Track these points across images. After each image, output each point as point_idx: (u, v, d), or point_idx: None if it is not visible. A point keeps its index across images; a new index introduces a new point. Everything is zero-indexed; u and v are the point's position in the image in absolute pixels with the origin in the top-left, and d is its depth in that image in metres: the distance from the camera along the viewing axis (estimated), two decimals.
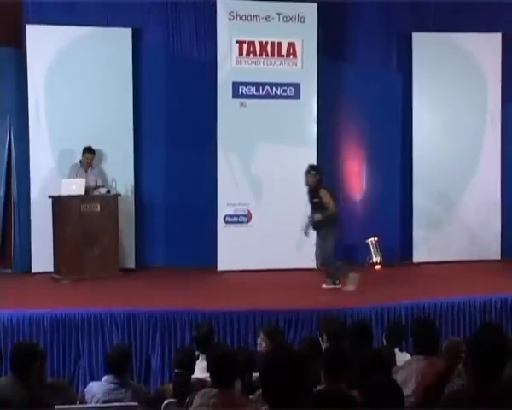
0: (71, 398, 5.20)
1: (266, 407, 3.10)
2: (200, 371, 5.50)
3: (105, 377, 5.23)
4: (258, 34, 9.94)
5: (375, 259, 10.02)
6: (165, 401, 5.03)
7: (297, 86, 10.03)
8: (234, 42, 9.91)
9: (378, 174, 10.47)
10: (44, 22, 9.63)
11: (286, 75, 10.01)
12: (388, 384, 3.32)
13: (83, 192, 9.22)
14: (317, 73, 10.01)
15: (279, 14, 9.96)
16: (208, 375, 4.74)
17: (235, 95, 9.93)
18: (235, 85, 9.93)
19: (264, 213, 9.77)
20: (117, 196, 9.51)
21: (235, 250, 9.72)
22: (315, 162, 9.89)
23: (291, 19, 9.97)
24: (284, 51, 9.99)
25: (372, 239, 10.04)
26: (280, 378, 2.99)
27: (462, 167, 10.43)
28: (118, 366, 5.19)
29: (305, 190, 9.85)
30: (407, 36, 10.34)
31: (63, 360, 7.41)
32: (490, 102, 10.47)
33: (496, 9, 10.23)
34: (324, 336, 5.62)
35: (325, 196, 8.52)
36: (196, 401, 4.44)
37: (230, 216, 9.94)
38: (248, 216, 9.96)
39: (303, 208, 9.75)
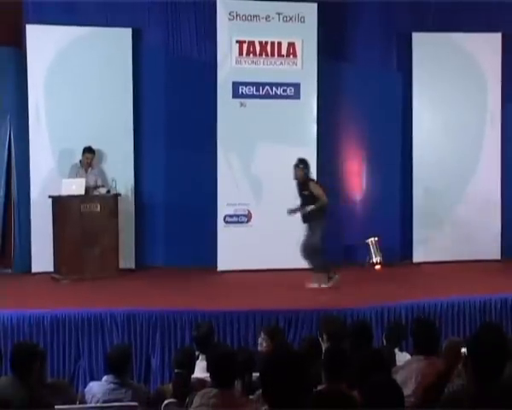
0: (71, 398, 5.20)
1: (266, 407, 3.10)
2: (200, 371, 5.50)
3: (105, 377, 5.23)
4: (258, 34, 9.94)
5: (375, 259, 10.03)
6: (165, 401, 5.03)
7: (297, 86, 10.03)
8: (234, 42, 9.91)
9: (378, 174, 10.47)
10: (44, 22, 9.63)
11: (286, 75, 10.01)
12: (388, 384, 3.32)
13: (83, 192, 9.22)
14: (317, 73, 10.01)
15: (279, 14, 9.96)
16: (208, 375, 4.74)
17: (235, 95, 9.93)
18: (235, 85, 9.93)
19: (264, 213, 9.77)
20: (117, 195, 9.51)
21: (235, 250, 9.73)
22: (315, 162, 9.94)
23: (291, 19, 9.97)
24: (284, 51, 9.99)
25: (372, 239, 10.04)
26: (280, 378, 2.99)
27: (462, 167, 10.44)
28: (118, 366, 5.19)
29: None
30: (407, 36, 10.34)
31: (63, 360, 7.42)
32: (490, 102, 10.47)
33: (496, 9, 10.23)
34: (324, 336, 5.62)
35: (315, 188, 8.65)
36: (196, 401, 4.44)
37: (230, 216, 9.94)
38: (248, 216, 9.96)
39: None
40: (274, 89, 10.00)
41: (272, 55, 9.98)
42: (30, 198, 9.69)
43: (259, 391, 3.94)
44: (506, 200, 10.51)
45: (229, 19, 9.88)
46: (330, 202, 10.17)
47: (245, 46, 9.93)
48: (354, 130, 10.49)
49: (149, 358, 7.50)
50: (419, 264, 10.25)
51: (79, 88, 9.72)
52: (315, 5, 9.96)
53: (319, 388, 4.06)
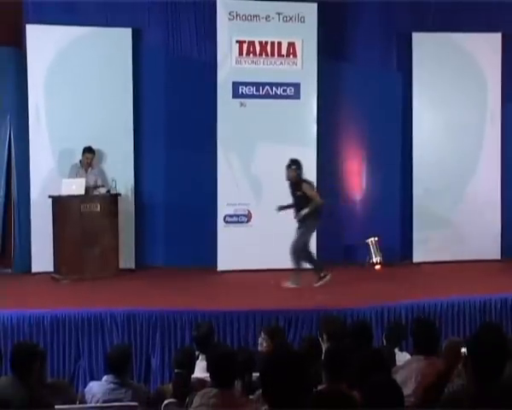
0: (71, 398, 5.20)
1: (266, 406, 3.10)
2: (200, 371, 5.51)
3: (105, 377, 5.23)
4: (258, 34, 9.94)
5: (375, 259, 10.03)
6: (165, 401, 5.03)
7: (297, 86, 10.03)
8: (234, 42, 9.91)
9: (378, 174, 10.47)
10: (44, 22, 9.63)
11: (286, 75, 10.01)
12: (388, 384, 3.33)
13: (83, 192, 9.21)
14: (317, 73, 10.01)
15: (279, 13, 9.96)
16: (208, 375, 4.74)
17: (235, 95, 9.93)
18: (235, 85, 9.93)
19: (264, 213, 9.76)
20: (117, 195, 9.51)
21: (235, 250, 9.72)
22: (315, 162, 9.95)
23: (291, 19, 9.97)
24: (284, 51, 9.99)
25: (372, 239, 10.04)
26: (280, 378, 2.99)
27: (462, 167, 10.44)
28: (118, 366, 5.19)
29: None
30: (407, 36, 10.34)
31: (63, 360, 7.42)
32: (490, 102, 10.47)
33: (496, 9, 10.23)
34: (324, 336, 5.62)
35: (308, 189, 8.65)
36: (196, 400, 4.44)
37: (230, 216, 9.94)
38: (248, 216, 9.96)
39: None
40: (274, 89, 10.00)
41: (272, 55, 9.98)
42: (30, 198, 9.69)
43: (259, 391, 3.94)
44: (506, 200, 10.51)
45: (229, 19, 9.88)
46: (330, 202, 10.20)
47: (245, 46, 9.93)
48: (354, 130, 10.49)
49: (149, 358, 7.50)
50: (419, 264, 10.24)
51: (79, 88, 9.71)
52: (315, 5, 9.95)
53: (319, 388, 4.06)
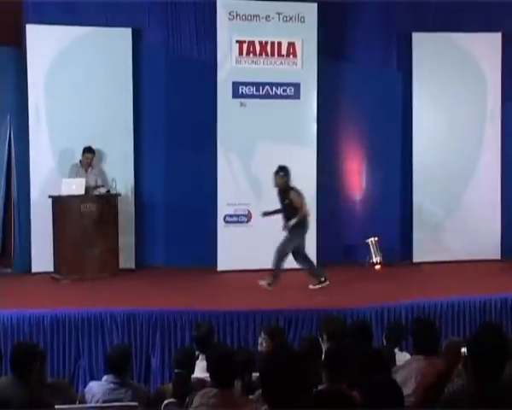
0: (71, 398, 5.20)
1: (266, 406, 3.10)
2: (200, 371, 5.51)
3: (105, 377, 5.23)
4: (258, 34, 9.94)
5: (375, 259, 10.03)
6: (165, 401, 5.03)
7: (297, 86, 10.03)
8: (234, 42, 9.90)
9: (378, 174, 10.47)
10: (44, 22, 9.63)
11: (286, 75, 10.01)
12: (388, 384, 3.33)
13: (83, 192, 9.21)
14: (317, 72, 10.01)
15: (279, 13, 9.96)
16: (208, 375, 4.74)
17: (235, 95, 9.93)
18: (235, 85, 9.93)
19: None
20: (117, 195, 9.51)
21: (235, 250, 9.72)
22: (315, 162, 9.95)
23: (291, 19, 9.97)
24: (284, 51, 9.99)
25: (372, 239, 10.04)
26: (280, 378, 2.99)
27: (462, 167, 10.44)
28: (118, 366, 5.19)
29: (305, 188, 9.85)
30: (407, 36, 10.34)
31: (63, 360, 7.42)
32: (490, 102, 10.47)
33: (496, 9, 10.24)
34: (324, 336, 5.62)
35: (296, 197, 8.56)
36: (196, 400, 4.44)
37: (230, 216, 9.94)
38: (248, 216, 9.96)
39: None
40: (274, 89, 10.00)
41: (272, 55, 9.98)
42: (30, 198, 9.69)
43: (259, 391, 3.94)
44: (506, 200, 10.51)
45: (229, 19, 9.88)
46: (330, 202, 10.24)
47: (245, 46, 9.93)
48: (354, 130, 10.49)
49: (149, 358, 7.50)
50: (419, 264, 10.24)
51: (79, 88, 9.72)
52: (315, 5, 9.95)
53: (319, 388, 4.06)
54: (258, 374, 3.75)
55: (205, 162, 9.91)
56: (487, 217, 10.43)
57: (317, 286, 8.58)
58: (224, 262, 9.76)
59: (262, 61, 9.98)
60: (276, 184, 8.68)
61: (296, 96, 10.04)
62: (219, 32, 9.86)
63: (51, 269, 9.26)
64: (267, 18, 9.95)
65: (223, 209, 9.91)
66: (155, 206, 10.11)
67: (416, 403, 4.53)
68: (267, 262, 9.49)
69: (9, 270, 9.76)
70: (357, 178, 10.62)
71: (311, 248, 9.76)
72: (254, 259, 9.55)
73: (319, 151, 10.02)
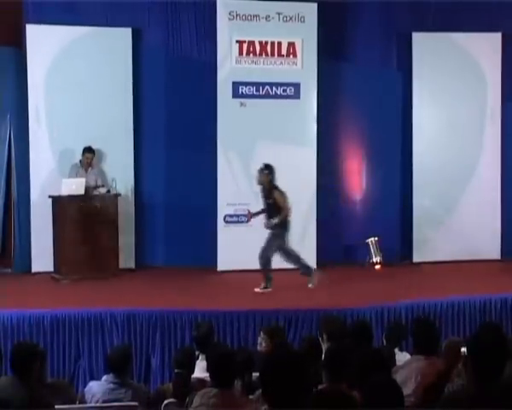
0: (71, 398, 5.20)
1: (266, 406, 3.10)
2: (200, 371, 5.51)
3: (105, 377, 5.23)
4: (258, 34, 9.94)
5: (375, 259, 10.02)
6: (165, 401, 5.03)
7: (297, 86, 10.03)
8: (234, 42, 9.90)
9: (378, 174, 10.47)
10: (44, 22, 9.63)
11: (286, 75, 10.01)
12: (388, 384, 3.33)
13: (83, 192, 9.21)
14: (317, 72, 10.00)
15: (279, 13, 9.95)
16: (208, 375, 4.75)
17: (235, 95, 9.93)
18: (235, 85, 9.93)
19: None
20: (117, 195, 9.51)
21: (235, 250, 9.71)
22: (315, 162, 9.95)
23: (291, 19, 9.96)
24: (284, 51, 9.99)
25: (372, 239, 10.04)
26: (280, 378, 2.99)
27: (462, 167, 10.43)
28: (118, 366, 5.19)
29: (305, 188, 9.88)
30: (407, 36, 10.34)
31: (63, 360, 7.42)
32: (490, 102, 10.47)
33: (496, 9, 10.23)
34: (324, 336, 5.62)
35: (279, 197, 8.54)
36: (196, 400, 4.45)
37: (230, 216, 9.94)
38: (248, 216, 9.94)
39: (303, 208, 9.78)
40: (274, 89, 10.00)
41: (272, 54, 9.98)
42: (30, 198, 9.69)
43: (259, 391, 3.94)
44: (506, 200, 10.51)
45: (229, 19, 9.87)
46: (330, 202, 10.25)
47: (245, 46, 9.93)
48: (354, 129, 10.49)
49: (149, 358, 7.50)
50: (419, 264, 10.24)
51: (79, 88, 9.71)
52: (315, 5, 9.95)
53: (319, 388, 4.06)
54: (258, 374, 3.75)
55: (205, 162, 9.90)
56: (487, 217, 10.43)
57: (312, 284, 8.55)
58: (224, 262, 9.76)
59: (262, 61, 9.98)
60: (260, 182, 8.67)
61: (296, 96, 10.03)
62: (219, 32, 9.86)
63: (51, 269, 9.26)
64: (267, 18, 9.95)
65: (223, 209, 9.91)
66: (155, 206, 10.10)
67: (416, 403, 4.53)
68: None
69: (9, 270, 9.76)
70: (357, 178, 10.62)
71: (311, 248, 9.79)
72: (254, 259, 9.51)
73: (319, 151, 10.01)
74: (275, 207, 8.53)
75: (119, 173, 9.74)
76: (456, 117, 10.40)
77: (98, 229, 9.24)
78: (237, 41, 9.91)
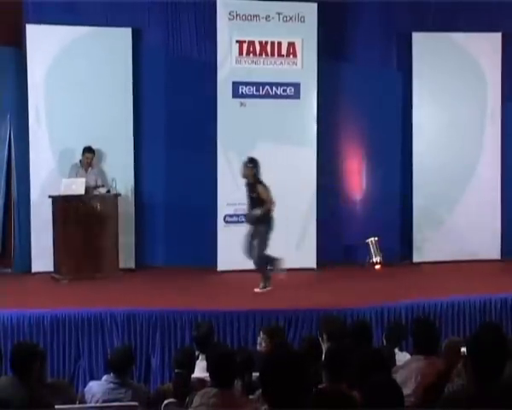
0: (71, 398, 5.20)
1: (266, 406, 3.10)
2: (200, 371, 5.51)
3: (105, 377, 5.24)
4: (258, 34, 9.94)
5: (375, 259, 10.02)
6: (165, 401, 5.03)
7: (297, 86, 10.03)
8: (234, 42, 9.90)
9: (378, 174, 10.46)
10: (44, 22, 9.63)
11: (286, 75, 10.01)
12: (388, 384, 3.33)
13: (83, 192, 9.21)
14: (317, 72, 10.00)
15: (279, 13, 9.95)
16: (208, 375, 4.75)
17: (235, 95, 9.93)
18: (235, 85, 9.93)
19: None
20: (117, 195, 9.51)
21: (235, 250, 9.68)
22: (315, 161, 9.94)
23: (291, 19, 9.96)
24: (284, 51, 9.99)
25: (372, 239, 10.04)
26: (280, 378, 2.99)
27: (462, 167, 10.43)
28: (120, 367, 5.19)
29: (305, 188, 9.87)
30: (407, 36, 10.34)
31: (63, 360, 7.42)
32: (490, 102, 10.47)
33: (496, 9, 10.24)
34: (324, 336, 5.62)
35: (263, 191, 8.51)
36: (196, 400, 4.44)
37: (230, 216, 9.93)
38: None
39: (303, 208, 9.79)
40: (274, 89, 10.00)
41: (272, 54, 9.98)
42: (30, 198, 9.69)
43: (259, 391, 3.94)
44: (506, 200, 10.51)
45: (229, 19, 9.87)
46: (330, 202, 10.24)
47: (245, 46, 9.93)
48: (354, 129, 10.49)
49: (149, 358, 7.49)
50: (419, 264, 10.24)
51: (79, 88, 9.71)
52: (315, 5, 9.95)
53: (319, 387, 4.06)
54: (258, 374, 3.75)
55: (205, 162, 9.90)
56: (487, 217, 10.43)
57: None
58: (224, 262, 9.76)
59: (262, 61, 9.98)
60: (245, 176, 8.64)
61: (296, 96, 10.03)
62: (219, 32, 9.86)
63: (51, 269, 9.26)
64: (267, 18, 9.94)
65: (223, 209, 9.90)
66: (155, 206, 10.10)
67: (416, 403, 4.53)
68: None
69: (9, 270, 9.76)
70: (357, 177, 10.62)
71: (311, 248, 9.79)
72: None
73: (319, 151, 10.01)
74: (258, 201, 8.50)
75: (119, 173, 9.73)
76: (456, 117, 10.40)
77: (98, 229, 9.23)
78: (237, 41, 9.91)
